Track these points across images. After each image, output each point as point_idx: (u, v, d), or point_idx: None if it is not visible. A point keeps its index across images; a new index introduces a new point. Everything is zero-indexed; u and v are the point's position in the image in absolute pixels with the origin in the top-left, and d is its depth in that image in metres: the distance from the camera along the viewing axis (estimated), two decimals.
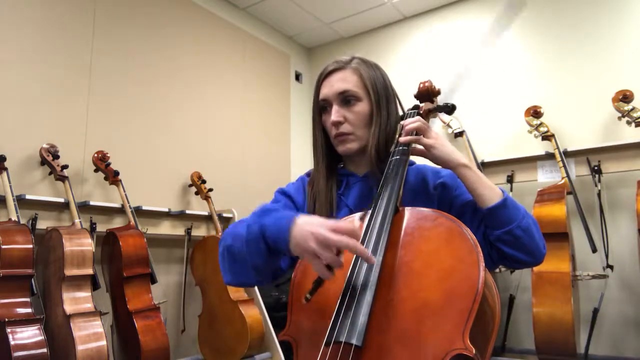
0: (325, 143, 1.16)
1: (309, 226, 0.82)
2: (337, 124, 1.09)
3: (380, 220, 0.90)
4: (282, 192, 1.19)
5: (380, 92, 1.12)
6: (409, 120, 1.04)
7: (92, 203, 2.58)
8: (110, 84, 2.86)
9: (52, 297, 2.21)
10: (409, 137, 1.01)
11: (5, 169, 2.25)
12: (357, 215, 0.98)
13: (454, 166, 1.00)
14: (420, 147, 1.02)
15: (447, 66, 3.67)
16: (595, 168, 2.84)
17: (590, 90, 3.04)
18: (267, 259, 0.89)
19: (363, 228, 0.90)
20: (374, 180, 1.07)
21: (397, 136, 1.08)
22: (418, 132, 1.03)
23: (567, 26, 3.20)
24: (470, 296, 0.75)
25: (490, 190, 0.98)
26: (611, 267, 2.68)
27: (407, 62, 3.90)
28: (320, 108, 1.15)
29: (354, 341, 0.76)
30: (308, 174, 1.22)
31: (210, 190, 3.12)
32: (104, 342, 2.14)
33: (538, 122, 3.00)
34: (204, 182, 3.16)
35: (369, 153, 1.09)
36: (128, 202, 2.64)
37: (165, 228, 3.01)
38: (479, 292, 0.75)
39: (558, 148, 2.89)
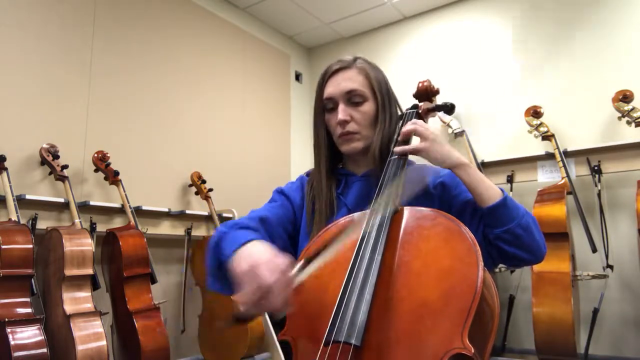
0: (327, 142, 1.16)
1: (249, 254, 0.82)
2: (343, 123, 1.09)
3: (379, 219, 0.90)
4: (280, 192, 1.19)
5: (384, 93, 1.13)
6: (406, 125, 1.05)
7: (92, 203, 2.58)
8: (110, 84, 2.86)
9: (52, 297, 2.21)
10: (401, 148, 1.02)
11: (5, 169, 2.25)
12: (356, 214, 0.98)
13: (451, 166, 0.99)
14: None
15: (447, 66, 3.67)
16: (595, 168, 2.84)
17: (590, 90, 3.04)
18: (218, 270, 0.93)
19: (362, 227, 0.91)
20: (374, 180, 1.07)
21: (395, 137, 1.08)
22: (413, 136, 1.03)
23: (567, 26, 3.20)
24: (469, 296, 0.75)
25: (490, 189, 0.97)
26: (611, 267, 2.68)
27: (406, 62, 3.91)
28: (324, 107, 1.15)
29: (353, 341, 0.76)
30: (308, 174, 1.22)
31: (210, 190, 3.13)
32: (104, 342, 2.14)
33: (538, 122, 3.00)
34: (204, 182, 3.16)
35: (372, 153, 1.10)
36: (128, 202, 2.64)
37: (165, 228, 3.01)
38: (477, 292, 0.75)
39: (558, 148, 2.89)
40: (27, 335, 1.98)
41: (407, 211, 0.93)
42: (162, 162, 3.09)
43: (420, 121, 1.04)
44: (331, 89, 1.12)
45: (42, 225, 2.37)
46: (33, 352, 1.95)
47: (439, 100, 1.19)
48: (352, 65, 1.12)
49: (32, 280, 2.13)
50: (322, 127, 1.16)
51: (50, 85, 2.58)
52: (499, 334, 2.93)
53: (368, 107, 1.11)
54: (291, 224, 1.14)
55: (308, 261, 0.80)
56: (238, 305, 0.75)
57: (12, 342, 1.91)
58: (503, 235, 0.95)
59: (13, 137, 2.40)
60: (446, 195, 1.08)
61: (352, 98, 1.10)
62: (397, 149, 1.02)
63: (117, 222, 2.72)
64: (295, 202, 1.16)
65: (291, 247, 1.12)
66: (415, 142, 1.03)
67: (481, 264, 0.78)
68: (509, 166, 3.20)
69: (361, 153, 1.13)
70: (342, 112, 1.09)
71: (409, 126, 1.02)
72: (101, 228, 2.62)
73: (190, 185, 3.20)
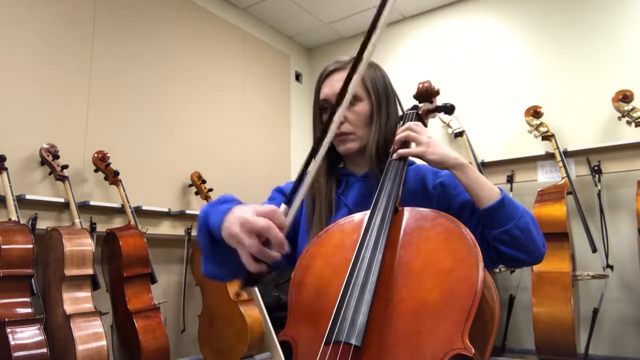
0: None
1: (238, 211, 0.81)
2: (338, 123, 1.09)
3: (379, 220, 0.90)
4: (279, 190, 1.19)
5: (381, 92, 1.12)
6: (399, 130, 1.04)
7: (92, 203, 2.58)
8: (110, 84, 2.86)
9: (52, 297, 2.21)
10: (398, 153, 1.01)
11: (5, 169, 2.25)
12: (356, 215, 0.98)
13: (449, 167, 0.99)
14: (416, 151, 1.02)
15: (447, 66, 3.67)
16: (595, 168, 2.84)
17: (590, 90, 3.05)
18: (212, 247, 0.91)
19: (362, 228, 0.91)
20: (374, 180, 1.07)
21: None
22: (408, 141, 1.02)
23: (567, 26, 3.21)
24: (469, 296, 0.75)
25: (488, 190, 0.97)
26: (611, 267, 2.68)
27: (406, 62, 3.91)
28: (321, 108, 1.15)
29: (353, 341, 0.76)
30: None
31: (210, 190, 3.12)
32: (104, 342, 2.14)
33: (538, 122, 3.00)
34: (204, 182, 3.16)
35: (369, 153, 1.10)
36: (128, 202, 2.64)
37: (165, 228, 3.01)
38: (478, 292, 0.75)
39: (558, 148, 2.89)
40: (27, 335, 1.98)
41: (407, 212, 0.92)
42: (162, 162, 3.09)
43: (415, 125, 1.03)
44: (326, 90, 1.12)
45: (42, 225, 2.37)
46: (33, 352, 1.95)
47: (439, 100, 1.19)
48: (347, 65, 1.12)
49: (32, 280, 2.13)
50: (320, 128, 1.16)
51: (50, 85, 2.58)
52: (499, 334, 2.93)
53: (362, 107, 1.11)
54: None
55: (288, 202, 0.80)
56: (245, 266, 0.77)
57: (12, 342, 1.91)
58: (500, 236, 0.95)
59: (13, 137, 2.40)
60: (445, 196, 1.08)
61: None
62: (395, 154, 1.02)
63: (117, 222, 2.72)
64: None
65: (289, 245, 1.12)
66: (413, 145, 1.03)
67: (481, 264, 0.78)
68: (509, 166, 3.20)
69: (358, 153, 1.13)
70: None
71: (402, 133, 1.02)
72: (101, 228, 2.62)
73: (190, 185, 3.20)
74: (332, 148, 1.16)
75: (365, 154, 1.11)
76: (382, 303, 0.81)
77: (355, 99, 1.10)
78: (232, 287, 2.83)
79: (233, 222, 0.79)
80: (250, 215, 0.77)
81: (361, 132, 1.11)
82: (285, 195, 1.17)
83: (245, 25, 3.88)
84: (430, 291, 0.79)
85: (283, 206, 0.80)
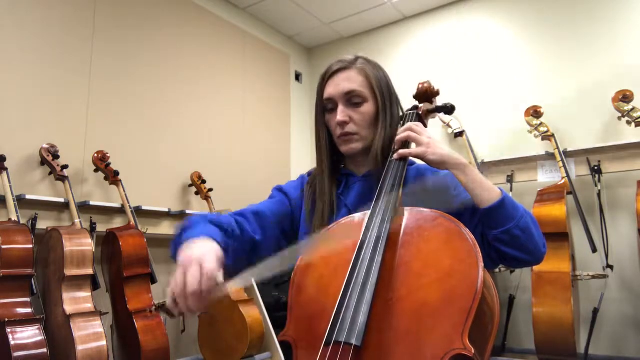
0: (328, 142, 1.16)
1: (187, 260, 0.82)
2: (342, 124, 1.09)
3: (380, 220, 0.90)
4: (279, 189, 1.20)
5: (385, 93, 1.12)
6: (400, 130, 1.04)
7: (92, 203, 2.58)
8: (110, 84, 2.86)
9: (52, 297, 2.21)
10: (399, 153, 1.01)
11: (5, 169, 2.25)
12: (357, 215, 0.98)
13: (450, 167, 0.99)
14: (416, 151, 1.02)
15: (447, 66, 3.67)
16: (595, 168, 2.84)
17: (590, 90, 3.04)
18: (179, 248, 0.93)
19: (363, 228, 0.91)
20: (374, 180, 1.07)
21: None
22: (408, 141, 1.02)
23: (567, 26, 3.21)
24: (469, 296, 0.75)
25: (488, 190, 0.97)
26: (611, 267, 2.68)
27: (407, 62, 3.91)
28: (324, 108, 1.15)
29: (353, 341, 0.76)
30: (309, 173, 1.22)
31: (210, 190, 3.12)
32: (104, 342, 2.14)
33: (538, 122, 3.00)
34: (204, 182, 3.16)
35: (374, 154, 1.09)
36: (128, 202, 2.64)
37: (165, 228, 3.01)
38: (478, 293, 0.75)
39: (558, 148, 2.89)
40: (27, 335, 1.98)
41: (407, 212, 0.93)
42: (162, 162, 3.09)
43: (415, 125, 1.03)
44: (331, 89, 1.12)
45: (42, 225, 2.37)
46: (33, 352, 1.95)
47: (440, 100, 1.19)
48: (352, 65, 1.12)
49: (32, 280, 2.13)
50: (323, 127, 1.16)
51: (50, 85, 2.58)
52: (499, 334, 2.93)
53: (368, 107, 1.10)
54: (288, 220, 1.14)
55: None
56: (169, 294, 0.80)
57: (12, 342, 1.91)
58: (501, 236, 0.95)
59: (13, 137, 2.39)
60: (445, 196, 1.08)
61: (352, 99, 1.10)
62: (395, 155, 1.02)
63: (117, 222, 2.72)
64: (294, 201, 1.17)
65: (285, 243, 1.12)
66: (413, 145, 1.04)
67: (481, 264, 0.78)
68: (509, 166, 3.20)
69: (361, 154, 1.13)
70: (340, 114, 1.09)
71: (402, 133, 1.02)
72: (101, 228, 2.62)
73: (190, 185, 3.20)
74: (334, 147, 1.16)
75: (370, 155, 1.11)
76: (382, 303, 0.81)
77: (361, 99, 1.10)
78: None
79: (181, 255, 0.83)
80: (191, 264, 0.79)
81: (365, 132, 1.11)
82: (285, 194, 1.17)
83: (245, 25, 3.88)
84: (431, 291, 0.79)
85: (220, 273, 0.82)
